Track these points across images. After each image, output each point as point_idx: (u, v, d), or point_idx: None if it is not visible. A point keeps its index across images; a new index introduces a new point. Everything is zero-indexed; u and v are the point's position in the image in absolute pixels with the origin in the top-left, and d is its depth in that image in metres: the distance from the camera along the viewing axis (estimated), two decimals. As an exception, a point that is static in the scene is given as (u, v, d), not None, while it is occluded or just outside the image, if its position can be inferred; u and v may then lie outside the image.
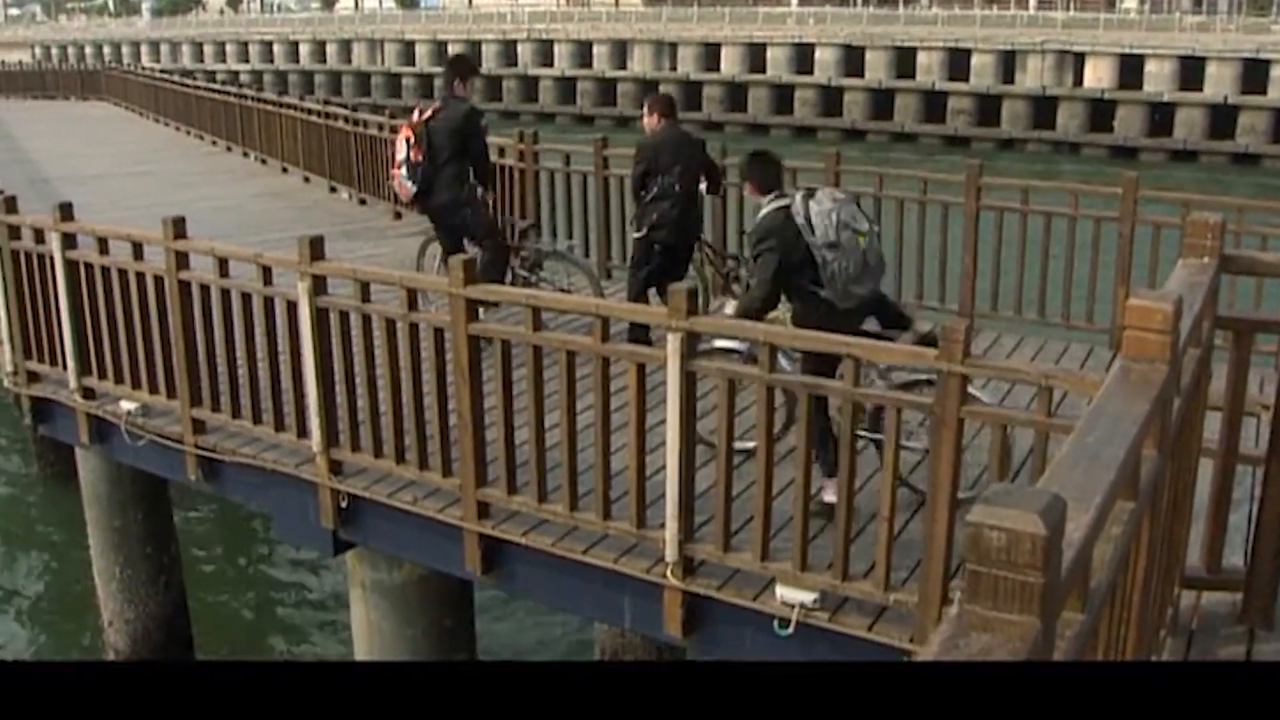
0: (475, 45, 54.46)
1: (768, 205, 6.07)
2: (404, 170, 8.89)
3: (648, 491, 5.59)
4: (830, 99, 45.11)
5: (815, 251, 5.80)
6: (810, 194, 5.96)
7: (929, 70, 43.50)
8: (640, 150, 8.57)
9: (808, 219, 5.82)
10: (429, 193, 8.89)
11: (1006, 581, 1.73)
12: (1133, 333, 2.98)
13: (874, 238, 6.01)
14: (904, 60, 44.32)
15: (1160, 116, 38.63)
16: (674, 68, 49.16)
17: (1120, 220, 8.78)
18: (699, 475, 5.50)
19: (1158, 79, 39.06)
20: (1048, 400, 4.57)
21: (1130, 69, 39.63)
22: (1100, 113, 39.69)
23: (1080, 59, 41.00)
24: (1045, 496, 1.78)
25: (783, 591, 5.27)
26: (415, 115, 9.01)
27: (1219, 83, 37.99)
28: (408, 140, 8.87)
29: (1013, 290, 9.35)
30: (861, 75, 44.81)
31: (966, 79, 42.62)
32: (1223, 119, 37.56)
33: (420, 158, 8.79)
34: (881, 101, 43.90)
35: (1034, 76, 41.62)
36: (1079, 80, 40.91)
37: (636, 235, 8.59)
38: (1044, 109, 40.75)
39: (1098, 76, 40.32)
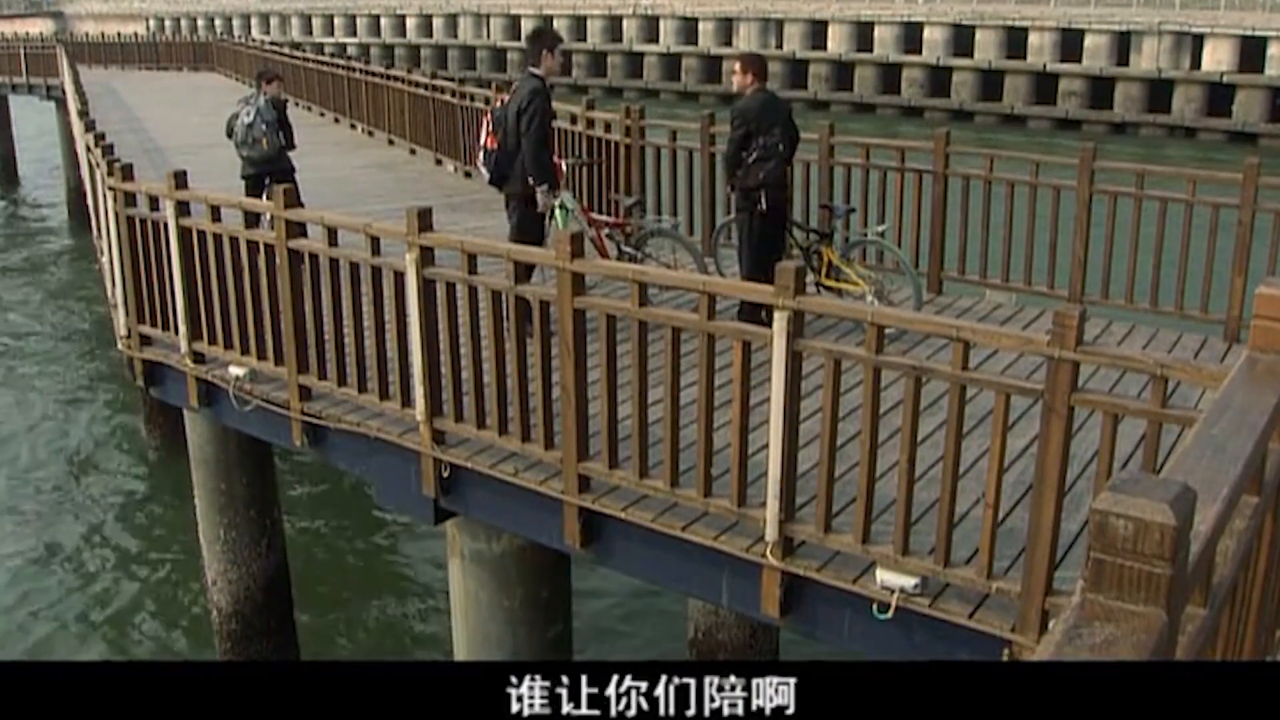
0: (580, 20, 54.56)
1: None
2: (481, 156, 8.88)
3: (749, 470, 5.57)
4: (938, 79, 44.46)
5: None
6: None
7: (1040, 51, 42.62)
8: (741, 114, 8.51)
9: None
10: (505, 180, 8.70)
11: (1132, 571, 1.69)
12: (1261, 322, 2.90)
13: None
14: (1015, 40, 43.46)
15: (1283, 101, 37.48)
16: (780, 45, 48.76)
17: (1240, 208, 8.55)
18: (801, 455, 5.45)
19: (1280, 62, 37.89)
20: (1162, 390, 4.46)
21: (1251, 51, 38.42)
22: (1219, 97, 38.58)
23: (1199, 40, 39.82)
24: (1175, 486, 1.73)
25: (883, 575, 5.21)
26: (499, 100, 8.90)
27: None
28: (488, 126, 8.86)
29: (1124, 277, 9.15)
30: (971, 55, 44.06)
31: (1079, 60, 41.69)
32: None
33: (494, 145, 8.72)
34: (991, 82, 43.15)
35: (1149, 58, 40.54)
36: (1196, 63, 39.76)
37: (739, 197, 8.57)
38: (1159, 92, 39.71)
39: (1217, 59, 39.12)
